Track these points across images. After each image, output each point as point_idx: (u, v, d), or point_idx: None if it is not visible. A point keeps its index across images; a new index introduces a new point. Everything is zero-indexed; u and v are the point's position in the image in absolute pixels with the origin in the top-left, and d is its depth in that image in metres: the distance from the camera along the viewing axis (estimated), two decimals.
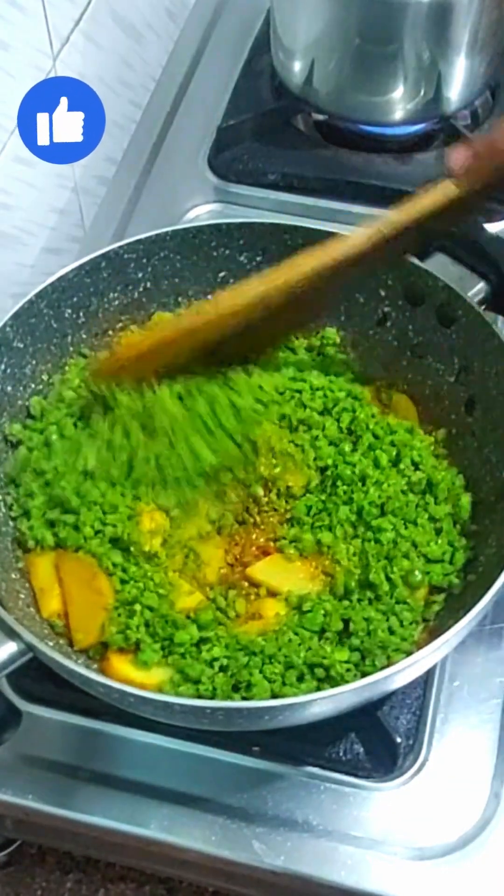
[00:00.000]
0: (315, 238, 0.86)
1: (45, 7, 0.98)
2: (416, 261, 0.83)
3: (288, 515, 0.79)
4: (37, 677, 0.67)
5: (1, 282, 1.04)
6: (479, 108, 1.15)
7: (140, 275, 0.87)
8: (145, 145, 1.17)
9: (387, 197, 1.06)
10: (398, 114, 1.10)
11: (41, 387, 0.85)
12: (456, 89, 1.09)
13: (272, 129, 1.14)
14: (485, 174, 0.71)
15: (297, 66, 1.10)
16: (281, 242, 0.87)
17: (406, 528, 0.77)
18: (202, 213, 1.10)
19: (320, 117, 1.14)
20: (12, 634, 0.65)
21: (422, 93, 1.08)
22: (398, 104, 1.09)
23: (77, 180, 1.16)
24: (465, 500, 0.79)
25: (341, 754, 0.78)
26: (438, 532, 0.79)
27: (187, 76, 1.23)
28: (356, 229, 0.75)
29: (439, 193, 0.72)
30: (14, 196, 1.02)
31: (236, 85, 1.19)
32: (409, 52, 1.04)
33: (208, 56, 1.25)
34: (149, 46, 1.28)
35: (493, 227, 0.84)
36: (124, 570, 0.75)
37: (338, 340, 0.89)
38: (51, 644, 0.70)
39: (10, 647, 0.66)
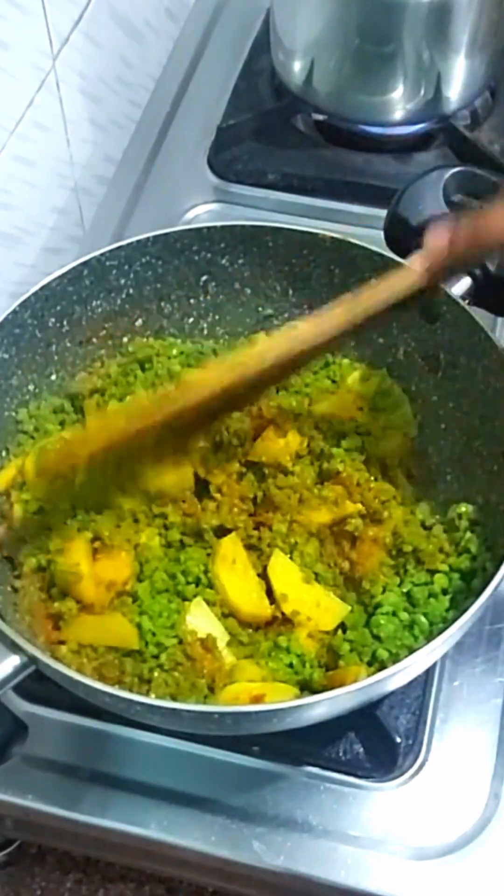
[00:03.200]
0: (297, 239, 0.86)
1: (44, 7, 0.98)
2: (398, 258, 0.83)
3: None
4: (37, 677, 0.67)
5: (0, 281, 1.04)
6: (478, 108, 1.15)
7: (122, 281, 0.87)
8: (145, 145, 1.17)
9: (387, 197, 1.06)
10: (398, 114, 1.10)
11: (27, 397, 0.85)
12: (456, 89, 1.09)
13: (272, 129, 1.14)
14: (458, 256, 0.72)
15: (297, 66, 1.10)
16: (262, 245, 0.87)
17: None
18: (202, 212, 1.10)
19: (320, 117, 1.14)
20: (14, 648, 0.65)
21: (421, 93, 1.08)
22: (398, 104, 1.09)
23: (77, 180, 1.16)
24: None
25: (341, 754, 0.78)
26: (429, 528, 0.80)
27: (187, 76, 1.23)
28: (324, 310, 0.73)
29: (405, 281, 0.73)
30: (14, 196, 1.02)
31: (236, 85, 1.19)
32: (408, 52, 1.04)
33: (208, 56, 1.25)
34: (149, 46, 1.28)
35: None
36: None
37: None
38: (51, 656, 0.70)
39: (14, 661, 0.65)
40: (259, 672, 0.73)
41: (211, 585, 0.77)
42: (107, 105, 1.20)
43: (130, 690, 0.71)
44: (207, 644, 0.73)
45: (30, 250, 1.09)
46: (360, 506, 0.78)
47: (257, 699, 0.70)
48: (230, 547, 0.77)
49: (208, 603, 0.76)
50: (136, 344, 0.90)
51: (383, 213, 1.04)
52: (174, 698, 0.70)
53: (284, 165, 1.12)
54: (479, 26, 1.04)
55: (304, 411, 0.84)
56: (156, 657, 0.73)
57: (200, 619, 0.75)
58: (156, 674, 0.71)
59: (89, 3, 1.09)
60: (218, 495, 0.79)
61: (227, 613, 0.76)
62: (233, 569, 0.76)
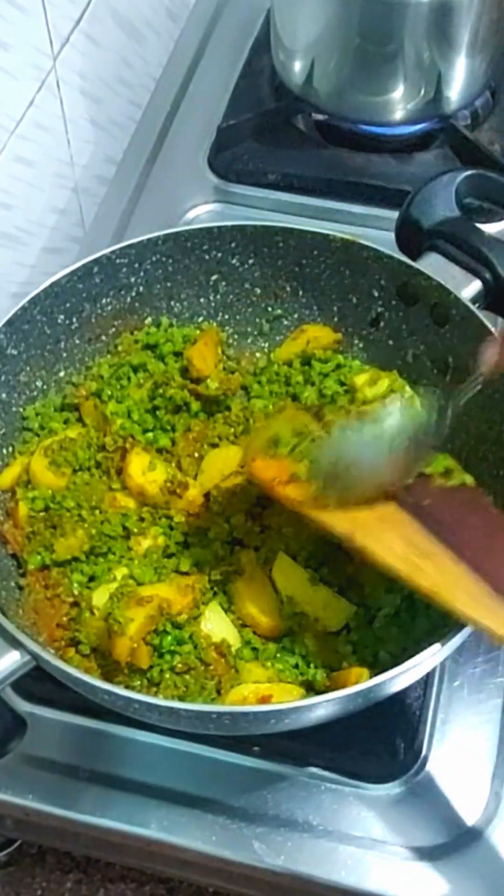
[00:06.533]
0: (307, 240, 0.86)
1: (45, 7, 0.98)
2: (409, 260, 0.83)
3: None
4: (37, 677, 0.67)
5: (1, 281, 1.04)
6: (479, 108, 1.15)
7: (132, 279, 0.87)
8: (145, 145, 1.17)
9: (387, 197, 1.07)
10: (398, 114, 1.10)
11: (35, 394, 0.85)
12: (456, 89, 1.09)
13: (272, 129, 1.14)
14: None
15: (297, 66, 1.10)
16: (273, 245, 0.87)
17: None
18: (202, 213, 1.10)
19: (320, 117, 1.14)
20: (15, 643, 0.65)
21: (422, 93, 1.08)
22: (398, 104, 1.09)
23: (77, 180, 1.16)
24: None
25: (341, 754, 0.78)
26: None
27: (187, 76, 1.23)
28: None
29: None
30: (14, 196, 1.02)
31: (236, 85, 1.19)
32: (409, 52, 1.04)
33: (208, 56, 1.25)
34: (149, 46, 1.28)
35: (487, 228, 0.84)
36: None
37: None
38: (53, 652, 0.70)
39: (14, 657, 0.65)
40: (265, 673, 0.73)
41: (224, 591, 0.77)
42: (107, 105, 1.20)
43: (138, 691, 0.71)
44: (222, 649, 0.73)
45: (30, 250, 1.09)
46: None
47: (265, 700, 0.70)
48: (247, 562, 0.77)
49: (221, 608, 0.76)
50: (127, 344, 0.89)
51: (383, 212, 1.04)
52: (182, 699, 0.70)
53: (284, 165, 1.12)
54: (479, 26, 1.04)
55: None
56: (170, 664, 0.73)
57: (215, 624, 0.75)
58: (166, 675, 0.71)
59: (89, 3, 1.09)
60: (224, 502, 0.79)
61: (243, 624, 0.76)
62: (251, 583, 0.76)
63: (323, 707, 0.64)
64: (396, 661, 0.71)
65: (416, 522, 0.68)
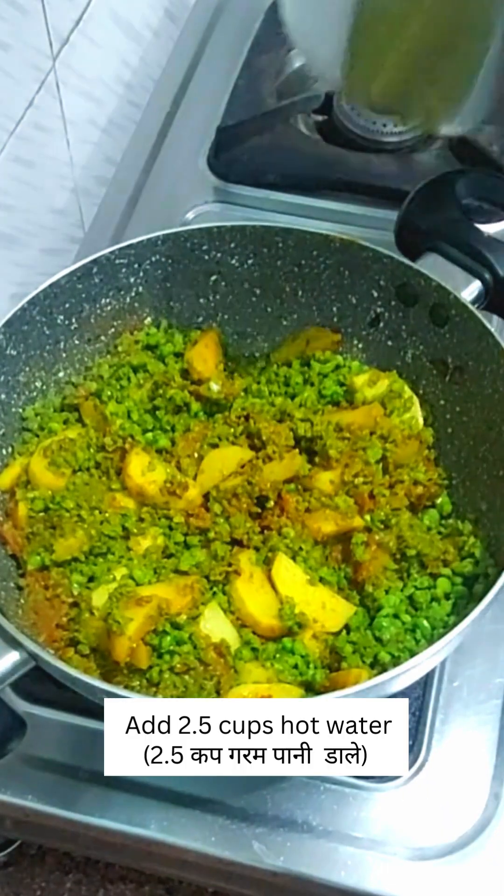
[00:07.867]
0: (307, 240, 0.86)
1: (44, 7, 0.98)
2: (408, 261, 0.83)
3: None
4: (37, 677, 0.67)
5: (0, 281, 1.04)
6: None
7: (132, 279, 0.87)
8: (145, 145, 1.17)
9: (387, 197, 1.07)
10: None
11: (35, 394, 0.85)
12: None
13: (272, 129, 1.14)
14: None
15: None
16: (273, 245, 0.87)
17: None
18: (202, 213, 1.10)
19: (320, 117, 1.14)
20: (14, 643, 0.65)
21: None
22: None
23: (77, 181, 1.16)
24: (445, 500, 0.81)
25: None
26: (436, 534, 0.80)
27: (187, 76, 1.23)
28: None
29: None
30: (14, 196, 1.02)
31: (236, 85, 1.19)
32: None
33: (208, 56, 1.25)
34: (148, 47, 1.28)
35: (487, 228, 0.84)
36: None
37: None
38: (52, 653, 0.70)
39: (13, 657, 0.65)
40: (265, 674, 0.73)
41: (224, 591, 0.77)
42: (107, 106, 1.20)
43: (137, 691, 0.71)
44: (221, 649, 0.73)
45: (30, 251, 1.09)
46: (368, 519, 0.78)
47: None
48: (246, 562, 0.77)
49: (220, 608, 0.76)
50: (127, 345, 0.89)
51: (383, 213, 1.04)
52: None
53: (284, 165, 1.11)
54: None
55: (324, 424, 0.83)
56: (169, 664, 0.73)
57: (214, 624, 0.75)
58: (165, 675, 0.71)
59: (89, 3, 1.09)
60: (224, 502, 0.80)
61: (242, 625, 0.76)
62: (250, 583, 0.76)
63: None
64: (396, 661, 0.71)
65: None
